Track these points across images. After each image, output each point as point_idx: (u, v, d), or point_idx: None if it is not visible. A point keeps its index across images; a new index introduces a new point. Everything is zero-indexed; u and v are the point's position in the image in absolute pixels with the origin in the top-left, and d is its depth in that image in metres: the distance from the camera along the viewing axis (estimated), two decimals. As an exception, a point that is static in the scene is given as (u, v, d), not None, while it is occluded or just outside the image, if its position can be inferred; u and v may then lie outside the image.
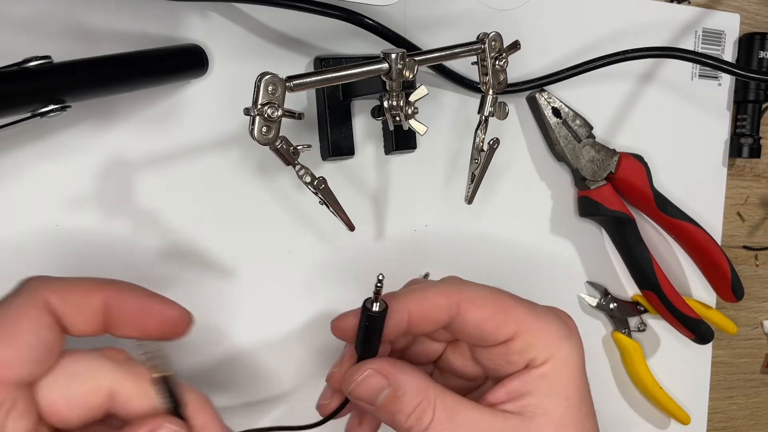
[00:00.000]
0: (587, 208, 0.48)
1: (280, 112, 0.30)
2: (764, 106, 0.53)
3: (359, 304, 0.32)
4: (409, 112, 0.35)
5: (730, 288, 0.51)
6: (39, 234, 0.35)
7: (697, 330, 0.49)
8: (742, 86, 0.53)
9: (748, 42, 0.52)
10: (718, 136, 0.53)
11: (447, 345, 0.36)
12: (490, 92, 0.38)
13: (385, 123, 0.42)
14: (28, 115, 0.29)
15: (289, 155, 0.32)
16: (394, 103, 0.35)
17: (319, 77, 0.31)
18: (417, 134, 0.40)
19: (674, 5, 0.50)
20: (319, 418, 0.34)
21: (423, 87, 0.36)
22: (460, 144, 0.45)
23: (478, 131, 0.39)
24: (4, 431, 0.25)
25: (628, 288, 0.51)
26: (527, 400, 0.31)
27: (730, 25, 0.52)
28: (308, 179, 0.33)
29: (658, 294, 0.48)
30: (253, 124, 0.30)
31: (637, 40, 0.49)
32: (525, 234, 0.47)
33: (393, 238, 0.44)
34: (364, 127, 0.42)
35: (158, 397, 0.28)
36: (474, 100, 0.45)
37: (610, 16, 0.48)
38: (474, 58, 0.37)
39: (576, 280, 0.50)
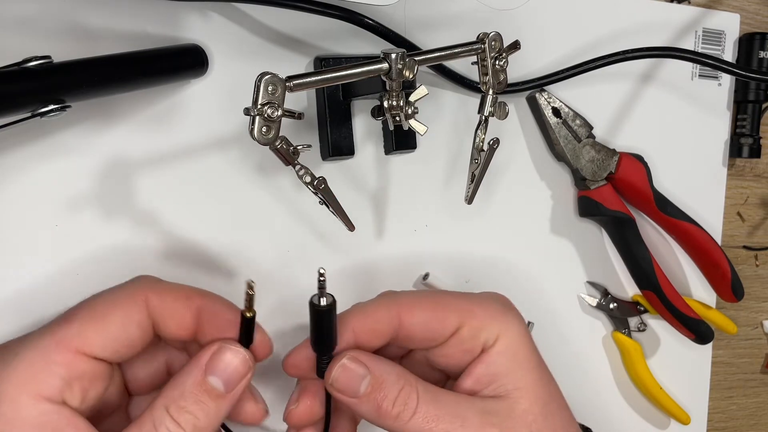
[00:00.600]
0: (587, 208, 0.48)
1: (280, 112, 0.30)
2: (764, 106, 0.53)
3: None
4: (409, 112, 0.35)
5: (730, 288, 0.50)
6: (39, 234, 0.35)
7: (697, 330, 0.49)
8: (742, 86, 0.53)
9: (748, 42, 0.52)
10: (718, 136, 0.53)
11: (401, 360, 0.36)
12: (490, 92, 0.38)
13: (385, 123, 0.42)
14: (28, 115, 0.29)
15: (289, 155, 0.32)
16: (394, 103, 0.35)
17: (319, 77, 0.31)
18: (417, 134, 0.40)
19: (674, 5, 0.50)
20: None
21: (423, 87, 0.36)
22: (460, 144, 0.45)
23: (478, 131, 0.38)
24: (87, 394, 0.29)
25: (628, 288, 0.51)
26: (497, 381, 0.32)
27: (730, 25, 0.52)
28: (308, 179, 0.33)
29: (658, 294, 0.48)
30: (253, 124, 0.30)
31: (637, 40, 0.49)
32: (525, 234, 0.47)
33: (393, 238, 0.44)
34: (364, 127, 0.42)
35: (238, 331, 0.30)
36: (474, 100, 0.45)
37: (610, 16, 0.48)
38: (474, 58, 0.37)
39: (576, 280, 0.50)
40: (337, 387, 0.31)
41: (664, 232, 0.52)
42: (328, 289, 0.30)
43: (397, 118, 0.35)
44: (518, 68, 0.45)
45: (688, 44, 0.51)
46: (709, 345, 0.53)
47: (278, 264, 0.41)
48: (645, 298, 0.50)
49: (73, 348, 0.28)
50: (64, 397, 0.28)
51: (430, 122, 0.41)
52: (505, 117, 0.38)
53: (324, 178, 0.33)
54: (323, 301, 0.30)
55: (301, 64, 0.40)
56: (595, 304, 0.50)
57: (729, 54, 0.53)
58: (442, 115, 0.44)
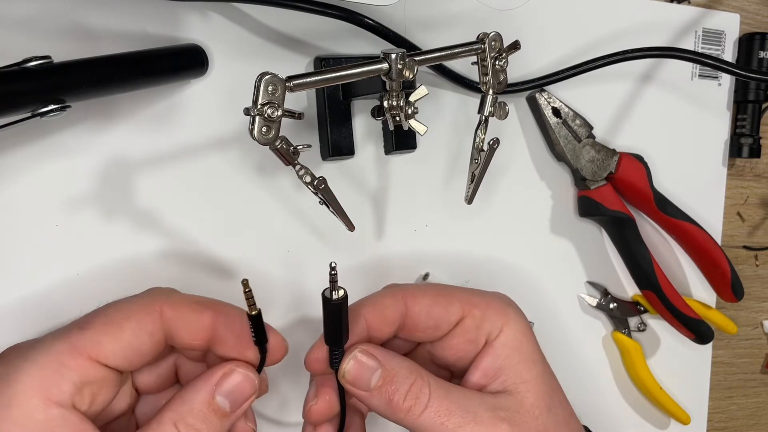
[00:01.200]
0: (587, 208, 0.48)
1: (280, 112, 0.30)
2: (764, 106, 0.53)
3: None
4: (409, 112, 0.35)
5: (730, 288, 0.50)
6: (39, 234, 0.35)
7: (697, 330, 0.49)
8: (742, 86, 0.53)
9: (748, 42, 0.52)
10: (718, 136, 0.53)
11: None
12: (490, 92, 0.38)
13: (385, 123, 0.42)
14: (28, 115, 0.29)
15: (289, 155, 0.32)
16: (394, 103, 0.35)
17: (319, 77, 0.31)
18: (417, 134, 0.40)
19: (674, 5, 0.51)
20: None
21: (423, 87, 0.36)
22: (460, 144, 0.45)
23: (478, 131, 0.38)
24: (96, 399, 0.29)
25: (628, 288, 0.51)
26: (504, 374, 0.33)
27: (730, 25, 0.52)
28: (308, 179, 0.33)
29: (658, 294, 0.48)
30: (253, 124, 0.30)
31: (636, 40, 0.49)
32: (525, 234, 0.47)
33: (393, 238, 0.44)
34: (364, 127, 0.42)
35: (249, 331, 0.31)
36: (474, 100, 0.45)
37: (609, 16, 0.48)
38: (474, 58, 0.37)
39: (576, 280, 0.50)
40: (348, 379, 0.32)
41: (664, 232, 0.52)
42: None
43: (397, 118, 0.35)
44: (518, 68, 0.45)
45: (688, 44, 0.51)
46: (709, 345, 0.54)
47: (278, 264, 0.41)
48: (645, 298, 0.50)
49: (86, 354, 0.28)
50: (74, 402, 0.28)
51: (430, 122, 0.41)
52: (505, 117, 0.38)
53: (324, 178, 0.33)
54: (335, 295, 0.30)
55: (301, 64, 0.40)
56: (595, 304, 0.50)
57: (729, 54, 0.53)
58: (442, 115, 0.44)
